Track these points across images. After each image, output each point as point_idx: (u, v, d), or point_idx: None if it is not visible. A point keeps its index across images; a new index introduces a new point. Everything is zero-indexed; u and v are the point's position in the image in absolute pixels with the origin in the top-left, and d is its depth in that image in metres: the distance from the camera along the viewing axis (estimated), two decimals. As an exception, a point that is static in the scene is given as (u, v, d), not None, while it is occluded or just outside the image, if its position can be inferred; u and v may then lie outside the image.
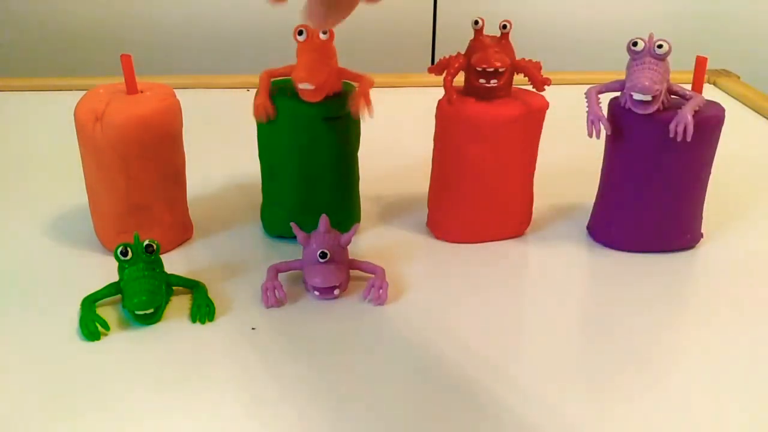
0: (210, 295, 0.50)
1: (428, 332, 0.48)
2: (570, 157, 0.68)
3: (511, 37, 0.54)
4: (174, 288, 0.50)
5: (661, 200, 0.54)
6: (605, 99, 0.54)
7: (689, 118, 0.50)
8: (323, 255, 0.49)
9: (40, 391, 0.42)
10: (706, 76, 0.61)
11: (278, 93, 0.54)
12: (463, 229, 0.58)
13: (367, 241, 0.58)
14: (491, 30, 0.54)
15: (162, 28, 1.08)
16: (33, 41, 1.08)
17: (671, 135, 0.50)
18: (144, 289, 0.46)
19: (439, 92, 0.55)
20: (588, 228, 0.60)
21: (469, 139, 0.54)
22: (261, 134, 0.56)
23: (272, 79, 0.55)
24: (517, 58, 0.54)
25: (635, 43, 0.50)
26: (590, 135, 0.53)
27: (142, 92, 0.53)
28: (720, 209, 0.61)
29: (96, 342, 0.46)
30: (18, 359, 0.45)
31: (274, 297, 0.50)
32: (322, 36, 0.50)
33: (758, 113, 0.87)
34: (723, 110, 0.53)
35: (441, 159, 0.57)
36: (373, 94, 0.53)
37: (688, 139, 0.50)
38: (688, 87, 0.53)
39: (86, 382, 0.43)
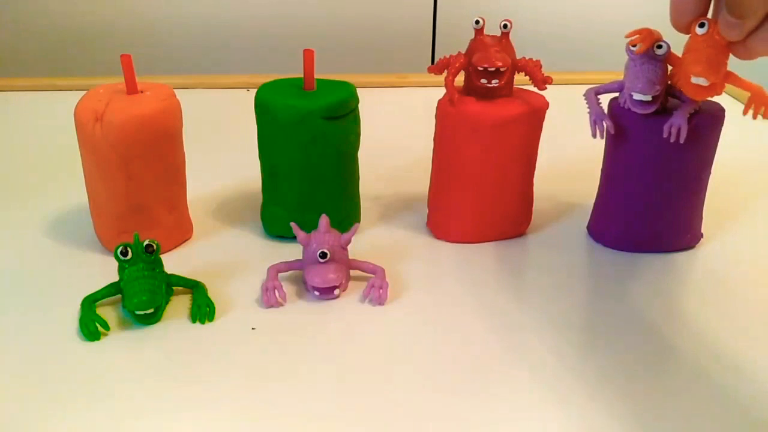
0: (210, 295, 0.50)
1: (428, 332, 0.48)
2: (570, 157, 0.68)
3: (511, 37, 0.54)
4: (174, 288, 0.50)
5: (661, 200, 0.54)
6: (605, 99, 0.54)
7: (683, 121, 0.50)
8: (323, 255, 0.49)
9: (40, 391, 0.42)
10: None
11: (277, 92, 0.54)
12: (463, 229, 0.58)
13: (367, 241, 0.58)
14: (491, 29, 0.54)
15: (162, 28, 1.08)
16: (33, 41, 1.08)
17: (665, 136, 0.50)
18: (144, 289, 0.46)
19: (439, 92, 0.55)
20: (588, 228, 0.60)
21: (469, 139, 0.54)
22: (261, 134, 0.56)
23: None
24: (518, 57, 0.55)
25: (635, 44, 0.50)
26: (594, 135, 0.53)
27: (142, 92, 0.53)
28: (720, 209, 0.61)
29: (96, 342, 0.46)
30: (18, 359, 0.45)
31: (274, 297, 0.50)
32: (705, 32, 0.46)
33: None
34: (723, 110, 0.53)
35: (441, 159, 0.57)
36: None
37: (681, 141, 0.50)
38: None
39: (86, 382, 0.43)
